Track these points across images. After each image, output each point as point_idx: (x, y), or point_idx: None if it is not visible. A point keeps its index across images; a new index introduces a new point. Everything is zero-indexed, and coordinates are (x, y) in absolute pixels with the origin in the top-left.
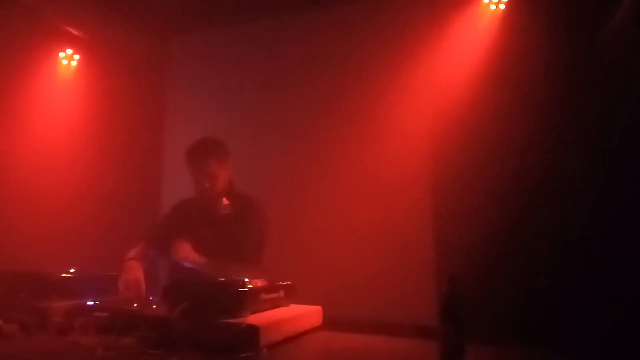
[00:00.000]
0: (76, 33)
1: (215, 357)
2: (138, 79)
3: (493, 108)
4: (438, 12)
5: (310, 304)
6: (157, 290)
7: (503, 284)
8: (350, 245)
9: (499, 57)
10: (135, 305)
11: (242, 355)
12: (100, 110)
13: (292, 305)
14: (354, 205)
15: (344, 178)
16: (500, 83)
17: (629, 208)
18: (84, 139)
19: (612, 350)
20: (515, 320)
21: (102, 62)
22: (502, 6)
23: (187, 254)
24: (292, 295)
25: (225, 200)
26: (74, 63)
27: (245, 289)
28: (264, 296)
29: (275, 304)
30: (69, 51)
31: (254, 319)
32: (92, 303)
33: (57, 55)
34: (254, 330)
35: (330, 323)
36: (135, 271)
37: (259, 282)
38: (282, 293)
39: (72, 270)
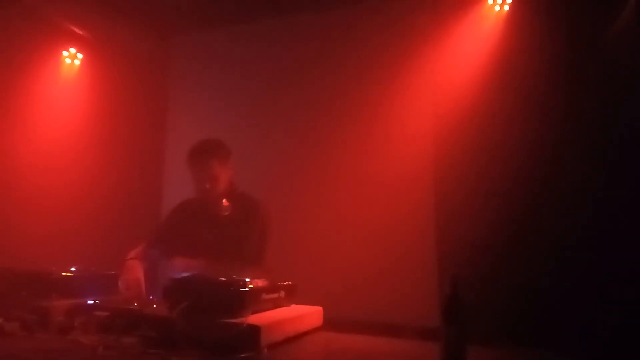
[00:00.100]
0: (80, 32)
1: (216, 357)
2: (140, 78)
3: (495, 109)
4: (441, 12)
5: (311, 305)
6: (158, 290)
7: (505, 284)
8: (351, 245)
9: (502, 59)
10: (136, 304)
11: (243, 355)
12: (102, 109)
13: (293, 306)
14: (355, 205)
15: (346, 178)
16: (503, 84)
17: (631, 209)
18: (86, 138)
19: (613, 350)
20: (517, 321)
21: (105, 61)
22: (506, 7)
23: (183, 269)
24: (293, 296)
25: (225, 202)
26: (77, 62)
27: (246, 289)
28: (265, 296)
29: (276, 304)
30: (73, 50)
31: (255, 319)
32: (93, 302)
33: (61, 54)
34: (255, 330)
35: (331, 324)
36: (135, 271)
37: (260, 282)
38: (283, 293)
39: (73, 269)
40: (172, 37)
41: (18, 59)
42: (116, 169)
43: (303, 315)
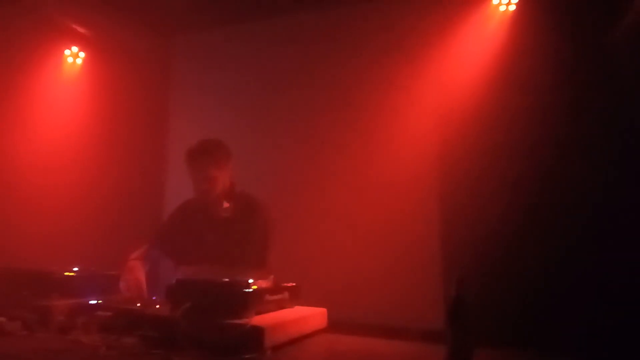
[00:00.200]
0: (82, 31)
1: (219, 358)
2: (142, 77)
3: (500, 109)
4: (446, 12)
5: (315, 306)
6: (160, 291)
7: (510, 285)
8: (355, 247)
9: (506, 59)
10: (138, 304)
11: (246, 356)
12: (103, 108)
13: (297, 307)
14: (359, 206)
15: (350, 179)
16: (509, 85)
17: (633, 211)
18: (87, 138)
19: (613, 351)
20: (521, 323)
21: (107, 60)
22: (511, 7)
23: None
24: (297, 297)
25: (225, 203)
26: (79, 61)
27: (250, 290)
28: (269, 297)
29: (280, 306)
30: (75, 49)
31: (258, 320)
32: (94, 302)
33: (63, 52)
34: (259, 331)
35: (335, 325)
36: (136, 272)
37: (264, 283)
38: (286, 294)
39: (74, 269)
40: (173, 37)
41: (19, 58)
42: (117, 168)
43: (307, 316)
